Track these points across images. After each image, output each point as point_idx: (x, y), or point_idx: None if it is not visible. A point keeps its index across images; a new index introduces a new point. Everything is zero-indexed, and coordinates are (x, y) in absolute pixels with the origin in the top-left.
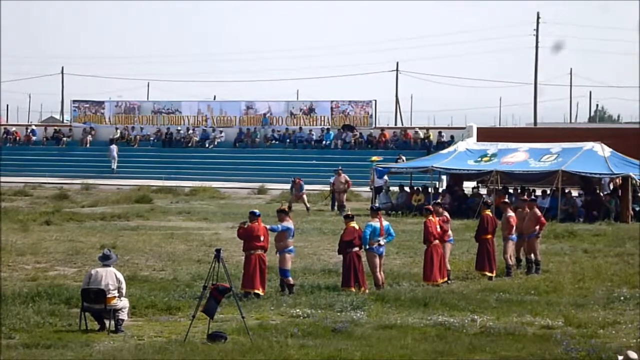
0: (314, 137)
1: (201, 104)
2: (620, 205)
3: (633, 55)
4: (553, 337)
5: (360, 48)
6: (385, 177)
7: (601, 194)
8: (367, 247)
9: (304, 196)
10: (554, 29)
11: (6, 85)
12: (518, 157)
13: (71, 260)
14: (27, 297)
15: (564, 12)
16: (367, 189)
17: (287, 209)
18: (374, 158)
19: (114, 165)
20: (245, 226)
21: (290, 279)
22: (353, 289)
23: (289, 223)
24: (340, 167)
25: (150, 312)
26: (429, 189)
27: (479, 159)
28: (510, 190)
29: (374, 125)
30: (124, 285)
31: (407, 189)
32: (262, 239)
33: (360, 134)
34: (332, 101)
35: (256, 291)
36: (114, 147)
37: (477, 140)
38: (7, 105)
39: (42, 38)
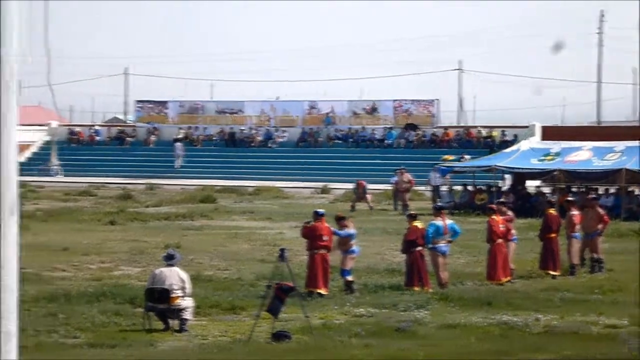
0: (377, 137)
1: (264, 104)
2: None
3: None
4: (618, 337)
5: (423, 46)
6: (447, 176)
7: None
8: (431, 246)
9: (368, 196)
10: (616, 28)
11: (70, 86)
12: (581, 155)
13: (135, 260)
14: (92, 297)
15: (626, 12)
16: (431, 188)
17: (345, 216)
18: (446, 157)
19: (178, 164)
20: (309, 225)
21: (348, 277)
22: (416, 288)
23: (350, 229)
24: (402, 167)
25: (215, 311)
26: (492, 188)
27: (543, 157)
28: (574, 189)
29: (437, 124)
30: (188, 285)
31: (470, 188)
32: (325, 238)
33: (424, 132)
34: (394, 100)
35: (319, 291)
36: (179, 145)
37: (541, 139)
38: (71, 106)
39: (106, 38)
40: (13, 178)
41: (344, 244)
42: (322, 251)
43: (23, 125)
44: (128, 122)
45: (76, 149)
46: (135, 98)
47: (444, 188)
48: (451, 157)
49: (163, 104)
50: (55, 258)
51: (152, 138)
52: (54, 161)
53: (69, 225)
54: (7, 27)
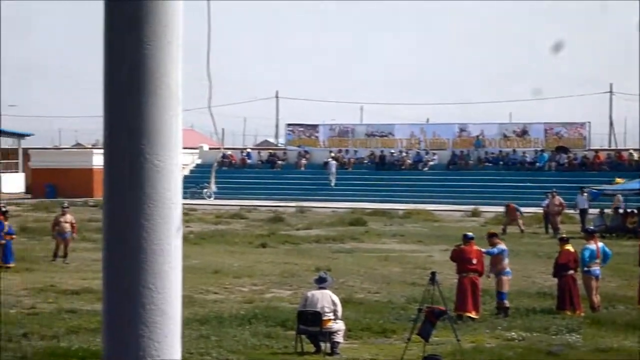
0: (527, 159)
1: (414, 127)
2: None
3: None
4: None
5: (571, 69)
6: (620, 198)
7: None
8: (585, 269)
9: (519, 219)
10: None
11: (222, 109)
12: None
13: (287, 282)
14: (243, 319)
15: None
16: (587, 211)
17: (496, 233)
18: (618, 180)
19: (333, 182)
20: (458, 248)
21: (505, 302)
22: (568, 312)
23: (502, 245)
24: (554, 190)
25: (366, 334)
26: None
27: None
28: None
29: (587, 147)
30: (339, 308)
31: (621, 211)
32: (474, 261)
33: (574, 155)
34: (545, 123)
35: (468, 314)
36: (333, 163)
37: None
38: (223, 129)
39: (256, 62)
40: (178, 201)
41: (498, 263)
42: (471, 274)
43: None
44: (279, 145)
45: (227, 171)
46: (286, 121)
47: (593, 211)
48: (622, 180)
49: (314, 127)
50: (207, 280)
51: (303, 161)
52: (213, 187)
53: (220, 248)
54: (173, 52)
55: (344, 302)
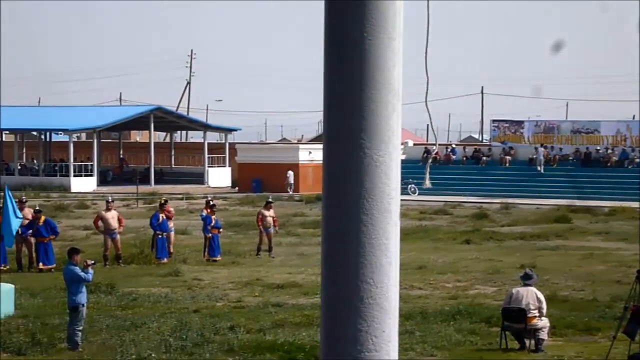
0: None
1: (620, 124)
2: None
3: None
4: None
5: None
6: None
7: None
8: None
9: None
10: None
11: (429, 105)
12: None
13: (491, 279)
14: (447, 315)
15: None
16: None
17: None
18: None
19: (541, 169)
20: None
21: None
22: None
23: None
24: None
25: (570, 332)
26: None
27: None
28: None
29: None
30: (544, 305)
31: None
32: None
33: None
34: None
35: None
36: (541, 151)
37: None
38: (427, 125)
39: (465, 60)
40: (396, 196)
41: None
42: None
43: None
44: (483, 141)
45: (432, 167)
46: (491, 117)
47: None
48: None
49: (519, 123)
50: (412, 276)
51: (508, 158)
52: (428, 183)
53: (424, 244)
54: (395, 47)
55: (549, 299)
